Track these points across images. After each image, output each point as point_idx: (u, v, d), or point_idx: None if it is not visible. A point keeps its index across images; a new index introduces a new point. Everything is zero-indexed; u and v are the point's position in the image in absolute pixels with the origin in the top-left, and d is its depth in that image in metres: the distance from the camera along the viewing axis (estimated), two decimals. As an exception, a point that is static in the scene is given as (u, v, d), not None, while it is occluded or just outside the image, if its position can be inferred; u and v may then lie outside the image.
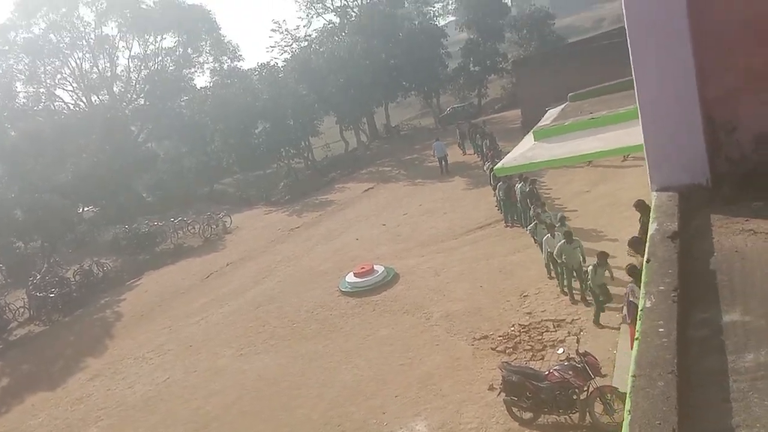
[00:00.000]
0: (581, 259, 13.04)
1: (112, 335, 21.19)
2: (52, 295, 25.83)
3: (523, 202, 18.18)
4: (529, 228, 15.95)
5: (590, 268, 12.00)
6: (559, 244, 13.12)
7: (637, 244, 10.12)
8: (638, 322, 2.60)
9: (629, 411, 2.04)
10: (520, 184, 18.51)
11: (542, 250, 14.48)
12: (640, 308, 2.68)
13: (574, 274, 13.23)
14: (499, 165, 8.51)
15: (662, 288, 2.79)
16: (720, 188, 3.88)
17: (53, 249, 33.10)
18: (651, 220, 3.67)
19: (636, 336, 2.49)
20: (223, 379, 14.77)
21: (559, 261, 13.29)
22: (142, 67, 50.01)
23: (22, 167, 33.30)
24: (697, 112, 3.77)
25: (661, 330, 2.44)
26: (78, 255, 33.30)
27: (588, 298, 12.66)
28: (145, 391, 15.57)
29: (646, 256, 3.22)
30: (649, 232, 3.55)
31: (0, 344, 24.55)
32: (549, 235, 13.80)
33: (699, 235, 3.57)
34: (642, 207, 12.40)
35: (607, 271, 12.12)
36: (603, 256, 11.96)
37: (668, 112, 3.86)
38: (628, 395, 2.14)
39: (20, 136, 36.34)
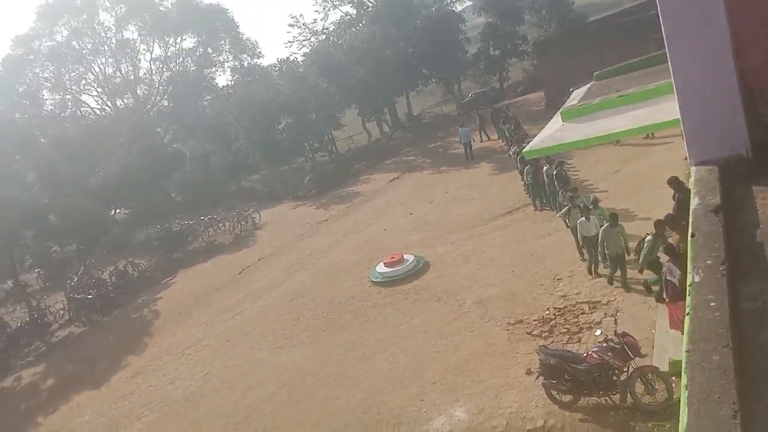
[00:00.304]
0: (624, 245, 12.50)
1: (150, 333, 21.64)
2: (90, 297, 26.47)
3: (551, 185, 18.00)
4: (561, 213, 15.54)
5: (647, 240, 11.50)
6: (602, 228, 12.57)
7: (673, 222, 10.00)
8: (687, 298, 2.59)
9: (686, 386, 2.05)
10: (547, 167, 18.31)
11: (575, 235, 14.26)
12: (688, 283, 2.67)
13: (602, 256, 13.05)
14: (527, 147, 8.46)
15: (709, 262, 2.77)
16: (761, 158, 3.81)
17: (88, 252, 33.82)
18: (692, 195, 3.63)
19: (687, 311, 2.48)
20: (261, 372, 14.99)
21: (600, 248, 12.80)
22: (164, 69, 50.65)
23: (53, 173, 34.00)
24: (735, 83, 3.71)
25: (712, 304, 2.43)
26: (113, 257, 34.01)
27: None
28: (186, 387, 15.89)
29: (690, 231, 3.19)
30: (691, 207, 3.51)
31: (43, 346, 25.28)
32: (583, 218, 13.48)
33: (742, 207, 3.52)
34: (676, 183, 12.22)
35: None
36: (660, 225, 11.47)
37: (704, 84, 3.80)
38: (683, 370, 2.14)
39: (50, 143, 37.09)
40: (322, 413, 12.04)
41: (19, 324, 27.23)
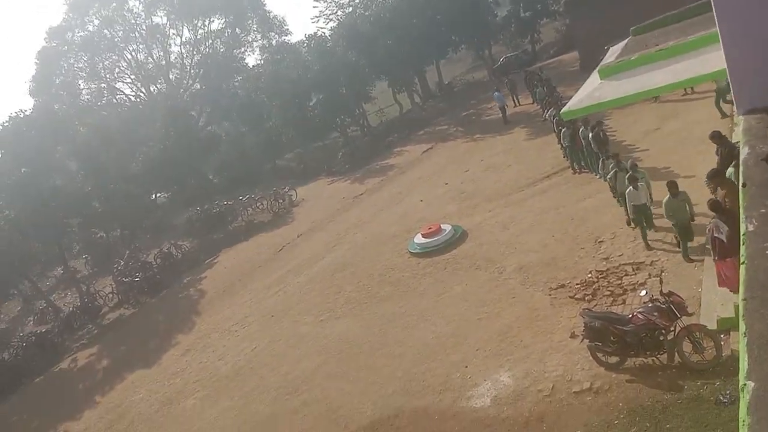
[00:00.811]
0: (689, 214, 11.53)
1: (198, 312, 22.25)
2: (137, 280, 27.33)
3: (588, 147, 17.61)
4: (609, 177, 14.57)
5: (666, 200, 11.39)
6: (665, 200, 11.62)
7: (717, 176, 9.70)
8: (741, 247, 2.54)
9: (744, 334, 2.02)
10: (583, 129, 17.92)
11: (623, 203, 13.53)
12: (741, 232, 2.62)
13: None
14: (565, 108, 8.28)
15: (763, 211, 2.71)
16: (814, 104, 3.68)
17: (133, 236, 34.79)
18: (741, 144, 3.54)
19: (741, 260, 2.43)
20: (306, 344, 15.30)
21: (671, 221, 11.81)
22: (194, 52, 51.09)
23: (94, 161, 34.85)
24: (784, 25, 3.56)
25: (767, 252, 2.38)
26: (156, 240, 34.93)
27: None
28: (235, 362, 16.34)
29: (741, 180, 3.12)
30: (741, 157, 3.42)
31: (95, 329, 26.28)
32: (632, 188, 12.61)
33: (795, 154, 3.41)
34: (719, 138, 11.86)
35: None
36: (673, 186, 11.35)
37: (751, 30, 3.66)
38: (740, 318, 2.12)
39: (89, 132, 37.95)
40: (369, 382, 12.25)
41: (71, 308, 28.34)
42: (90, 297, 28.79)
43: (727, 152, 11.31)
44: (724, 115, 17.87)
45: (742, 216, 2.75)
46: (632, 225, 13.45)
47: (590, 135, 17.34)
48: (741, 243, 2.57)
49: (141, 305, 26.46)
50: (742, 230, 2.61)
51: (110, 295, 28.53)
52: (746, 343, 1.94)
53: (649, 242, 12.72)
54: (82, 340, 25.66)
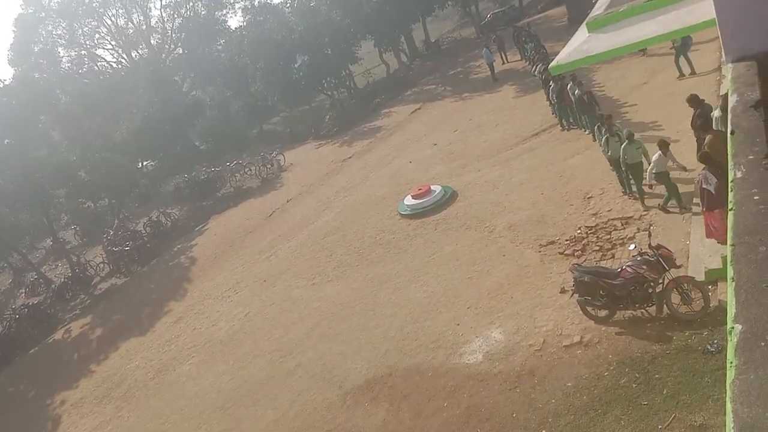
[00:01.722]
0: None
1: (189, 279, 22.27)
2: (127, 249, 27.24)
3: (578, 104, 17.39)
4: (602, 142, 13.90)
5: (655, 156, 11.53)
6: (623, 145, 12.25)
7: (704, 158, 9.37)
8: (729, 194, 2.53)
9: (732, 278, 2.03)
10: (571, 84, 17.77)
11: (616, 167, 13.36)
12: (730, 179, 2.61)
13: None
14: (553, 63, 8.18)
15: (751, 157, 2.69)
16: (804, 50, 3.64)
17: (121, 205, 34.51)
18: (730, 92, 3.50)
19: (729, 207, 2.42)
20: (299, 308, 15.39)
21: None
22: (175, 16, 49.93)
23: (78, 130, 34.31)
24: (774, -31, 3.50)
25: (756, 198, 2.37)
26: (144, 208, 34.73)
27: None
28: (228, 327, 16.45)
29: (729, 128, 3.10)
30: (730, 105, 3.39)
31: (87, 299, 26.29)
32: (627, 142, 12.40)
33: (784, 101, 3.39)
34: (696, 101, 11.91)
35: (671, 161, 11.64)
36: (663, 145, 11.46)
37: (740, -23, 3.60)
38: (728, 264, 2.12)
39: (72, 100, 37.28)
40: (363, 342, 12.38)
41: (62, 279, 28.28)
42: (81, 267, 28.72)
43: (704, 114, 11.65)
44: (681, 73, 18.44)
45: (730, 163, 2.74)
46: (626, 189, 13.25)
47: (576, 92, 17.22)
48: (729, 190, 2.56)
49: (132, 274, 26.44)
50: (731, 177, 2.60)
51: (101, 265, 28.45)
52: (734, 288, 1.94)
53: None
54: (74, 310, 25.68)
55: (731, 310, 1.86)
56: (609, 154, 13.32)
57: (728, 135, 3.03)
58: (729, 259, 2.09)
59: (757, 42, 3.75)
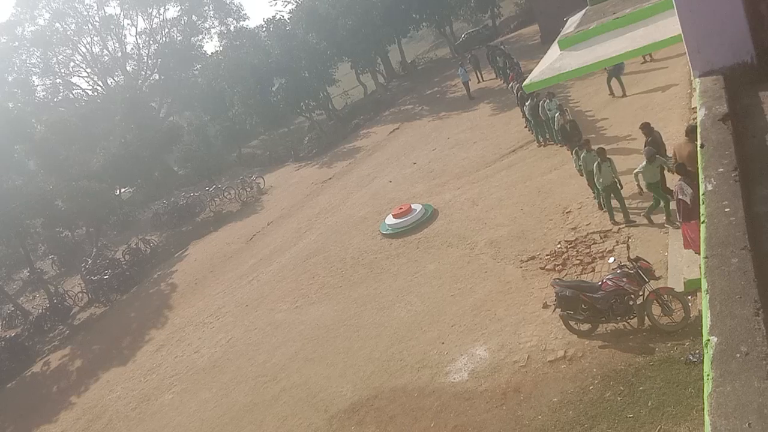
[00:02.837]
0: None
1: (170, 306, 21.97)
2: (106, 277, 26.80)
3: (561, 133, 16.52)
4: (575, 161, 14.08)
5: (641, 166, 11.50)
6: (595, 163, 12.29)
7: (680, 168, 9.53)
8: (701, 207, 2.57)
9: (707, 291, 2.05)
10: (546, 101, 17.99)
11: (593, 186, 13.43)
12: (701, 192, 2.65)
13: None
14: (527, 81, 8.30)
15: (721, 170, 2.75)
16: (766, 63, 3.73)
17: (99, 233, 34.03)
18: (698, 106, 3.58)
19: (702, 219, 2.46)
20: (283, 332, 15.24)
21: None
22: (151, 42, 49.94)
23: (54, 158, 33.88)
24: (735, -13, 3.60)
25: (726, 210, 2.41)
26: (123, 236, 34.32)
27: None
28: (211, 354, 16.21)
29: (699, 141, 3.16)
30: (699, 119, 3.46)
31: (66, 329, 25.75)
32: (598, 161, 12.55)
33: (750, 113, 3.47)
34: (646, 129, 12.21)
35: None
36: (651, 152, 11.51)
37: (703, -5, 3.70)
38: (702, 276, 2.14)
39: (47, 129, 36.82)
40: (347, 364, 12.27)
41: (40, 311, 27.71)
42: (59, 298, 28.17)
43: (651, 141, 12.08)
44: (612, 93, 20.15)
45: (701, 176, 2.79)
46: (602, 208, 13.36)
47: (557, 116, 16.96)
48: (701, 203, 2.60)
49: (112, 303, 26.00)
50: (702, 190, 2.65)
51: (80, 295, 27.95)
52: (708, 300, 1.97)
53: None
54: (53, 342, 25.13)
55: (706, 322, 1.88)
56: (601, 180, 12.80)
57: (698, 148, 3.09)
58: (702, 271, 2.12)
59: (722, 57, 3.85)
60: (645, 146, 12.13)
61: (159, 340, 19.31)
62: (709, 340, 1.80)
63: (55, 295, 28.41)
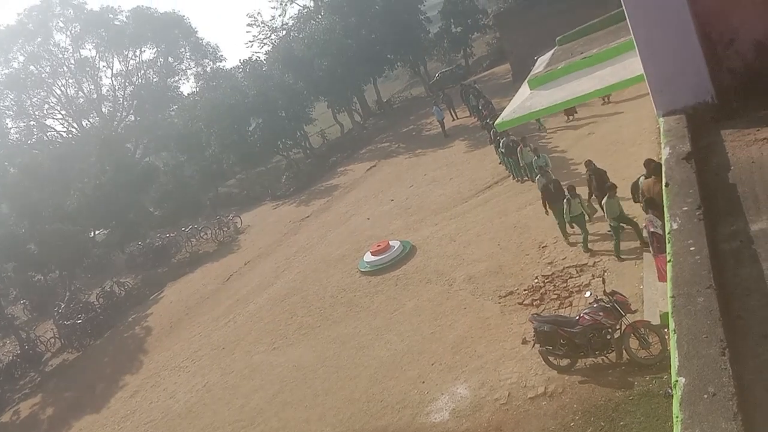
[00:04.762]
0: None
1: (145, 350, 21.47)
2: (79, 322, 26.17)
3: (545, 193, 14.79)
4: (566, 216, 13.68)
5: (604, 201, 11.96)
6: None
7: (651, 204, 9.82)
8: (668, 245, 2.62)
9: (674, 330, 2.07)
10: (526, 149, 18.21)
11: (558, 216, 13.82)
12: (667, 231, 2.70)
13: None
14: (498, 120, 8.46)
15: (686, 208, 2.80)
16: (726, 102, 3.85)
17: (72, 276, 33.40)
18: (663, 145, 3.67)
19: (668, 258, 2.50)
20: (260, 374, 14.95)
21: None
22: (127, 84, 49.97)
23: (27, 201, 33.46)
24: (692, 30, 3.73)
25: (692, 248, 2.45)
26: (97, 279, 33.66)
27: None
28: (187, 399, 15.81)
29: (663, 180, 3.23)
30: (663, 157, 3.54)
31: (38, 377, 24.98)
32: (569, 196, 13.08)
33: (713, 151, 3.56)
34: (590, 166, 13.21)
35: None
36: (612, 188, 11.94)
37: (663, 35, 3.83)
38: (669, 316, 2.17)
39: (20, 172, 36.46)
40: (327, 407, 12.06)
41: (10, 358, 26.88)
42: (30, 344, 27.39)
43: (597, 177, 13.03)
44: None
45: (666, 215, 2.84)
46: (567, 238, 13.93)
47: (538, 184, 15.08)
48: (667, 241, 2.64)
49: (85, 348, 25.34)
50: (667, 229, 2.70)
51: (52, 340, 27.20)
52: (676, 340, 1.99)
53: (590, 245, 13.12)
54: (24, 389, 24.34)
55: (674, 363, 1.89)
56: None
57: (663, 187, 3.16)
58: (670, 311, 2.15)
59: (684, 97, 3.97)
60: (588, 180, 13.08)
61: (133, 385, 18.81)
62: (677, 381, 1.81)
63: (27, 341, 27.64)
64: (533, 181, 18.06)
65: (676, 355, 1.90)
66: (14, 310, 34.17)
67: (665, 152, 3.56)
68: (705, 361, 1.82)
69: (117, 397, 18.62)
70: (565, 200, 12.89)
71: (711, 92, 3.88)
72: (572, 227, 13.63)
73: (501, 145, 19.55)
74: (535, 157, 16.81)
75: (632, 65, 6.76)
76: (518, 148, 18.26)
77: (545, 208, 14.18)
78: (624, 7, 3.82)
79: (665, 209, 2.91)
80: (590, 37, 9.42)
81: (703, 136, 3.74)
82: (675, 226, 2.66)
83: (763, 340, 1.96)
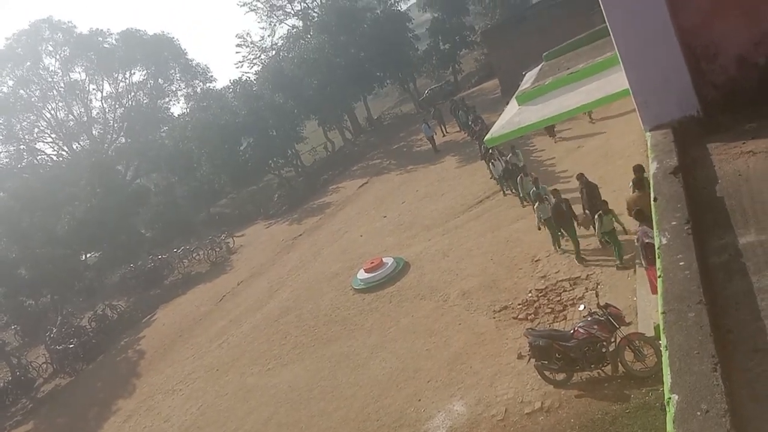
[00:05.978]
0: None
1: (138, 374, 21.25)
2: (71, 346, 25.89)
3: (556, 217, 14.59)
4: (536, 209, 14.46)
5: (596, 217, 12.05)
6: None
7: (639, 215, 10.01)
8: (657, 260, 2.62)
9: (665, 347, 2.07)
10: (511, 155, 18.41)
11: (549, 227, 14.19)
12: (657, 246, 2.71)
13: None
14: (488, 136, 8.50)
15: (674, 223, 2.81)
16: (712, 116, 3.89)
17: (64, 300, 33.10)
18: (650, 159, 3.69)
19: (658, 274, 2.51)
20: (255, 396, 14.82)
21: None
22: (117, 106, 49.92)
23: (18, 226, 33.23)
24: (676, 45, 3.77)
25: (681, 263, 2.46)
26: (89, 302, 33.36)
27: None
28: (181, 423, 15.63)
29: (652, 195, 3.25)
30: (651, 172, 3.57)
31: (30, 403, 24.65)
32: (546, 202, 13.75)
33: (700, 165, 3.59)
34: (582, 178, 13.44)
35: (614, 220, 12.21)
36: (605, 205, 12.06)
37: (647, 50, 3.86)
38: (661, 332, 2.17)
39: (10, 196, 36.26)
40: (322, 428, 11.94)
41: (1, 384, 26.51)
42: (22, 369, 27.04)
43: (588, 189, 13.33)
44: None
45: (655, 230, 2.85)
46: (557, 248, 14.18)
47: (550, 206, 14.59)
48: (657, 257, 2.65)
49: (78, 373, 25.04)
50: (657, 244, 2.70)
51: (44, 366, 26.87)
52: (668, 356, 1.98)
53: (583, 257, 13.18)
54: (15, 416, 23.97)
55: (667, 380, 1.89)
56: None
57: (651, 202, 3.17)
58: (661, 327, 2.15)
59: (669, 111, 4.00)
60: (580, 193, 13.31)
61: (127, 409, 18.58)
62: (670, 398, 1.81)
63: (18, 367, 27.29)
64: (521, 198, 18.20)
65: (668, 372, 1.90)
66: (5, 336, 33.78)
67: (653, 167, 3.58)
68: (697, 378, 1.81)
69: (110, 422, 18.39)
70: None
71: (696, 106, 3.91)
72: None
73: (501, 163, 19.28)
74: (534, 188, 16.74)
75: (618, 80, 6.84)
76: (518, 178, 18.07)
77: (551, 229, 14.18)
78: (607, 23, 3.86)
79: (654, 224, 2.92)
80: (577, 52, 9.52)
81: (690, 150, 3.76)
82: (664, 241, 2.68)
83: (753, 354, 1.97)
